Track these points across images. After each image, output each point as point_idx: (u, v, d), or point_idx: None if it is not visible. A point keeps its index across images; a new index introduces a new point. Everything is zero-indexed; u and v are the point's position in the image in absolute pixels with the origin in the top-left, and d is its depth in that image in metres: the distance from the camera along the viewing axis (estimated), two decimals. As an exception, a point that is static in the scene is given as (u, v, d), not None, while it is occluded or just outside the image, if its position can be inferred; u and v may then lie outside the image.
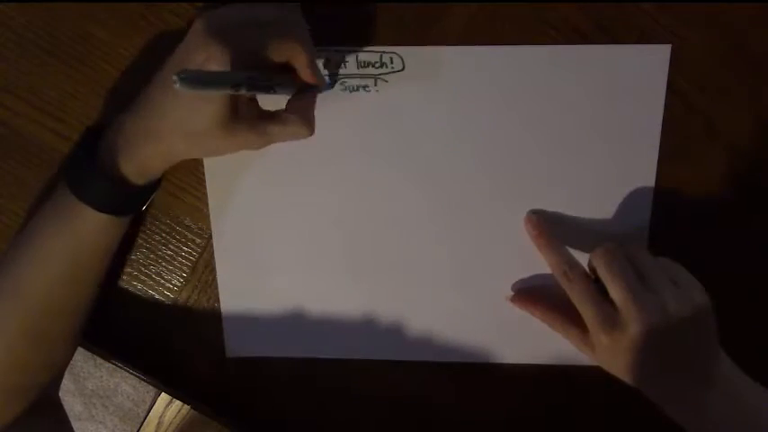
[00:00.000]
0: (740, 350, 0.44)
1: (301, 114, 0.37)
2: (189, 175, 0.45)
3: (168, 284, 0.47)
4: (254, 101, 0.39)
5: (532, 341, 0.46)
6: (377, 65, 0.42)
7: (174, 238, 0.46)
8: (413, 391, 0.48)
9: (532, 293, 0.44)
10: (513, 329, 0.46)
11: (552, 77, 0.42)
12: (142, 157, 0.37)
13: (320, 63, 0.41)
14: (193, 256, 0.46)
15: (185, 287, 0.47)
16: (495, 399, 0.48)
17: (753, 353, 0.45)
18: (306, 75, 0.36)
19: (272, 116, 0.37)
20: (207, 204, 0.45)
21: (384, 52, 0.42)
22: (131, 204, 0.40)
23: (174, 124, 0.36)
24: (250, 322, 0.47)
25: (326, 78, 0.42)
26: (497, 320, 0.46)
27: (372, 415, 0.48)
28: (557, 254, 0.41)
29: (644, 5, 0.41)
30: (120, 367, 0.48)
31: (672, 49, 0.41)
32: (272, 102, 0.38)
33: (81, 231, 0.39)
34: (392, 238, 0.45)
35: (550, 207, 0.44)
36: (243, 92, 0.33)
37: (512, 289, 0.45)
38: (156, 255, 0.46)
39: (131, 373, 0.49)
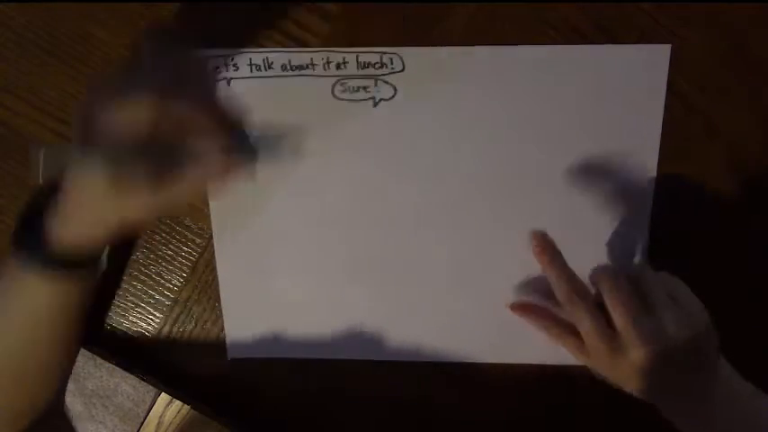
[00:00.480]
0: (740, 350, 0.44)
1: (205, 171, 0.33)
2: (189, 175, 0.45)
3: (168, 284, 0.47)
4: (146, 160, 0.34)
5: (532, 341, 0.46)
6: (377, 65, 0.42)
7: (174, 239, 0.46)
8: (413, 391, 0.48)
9: (530, 302, 0.44)
10: (513, 330, 0.46)
11: (552, 77, 0.42)
12: (77, 243, 0.36)
13: (322, 63, 0.41)
14: (193, 256, 0.46)
15: (185, 287, 0.47)
16: (495, 399, 0.48)
17: (753, 353, 0.45)
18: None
19: (172, 175, 0.33)
20: (207, 204, 0.45)
21: (384, 53, 0.42)
22: (81, 266, 0.38)
23: (75, 203, 0.34)
24: (251, 323, 0.47)
25: (252, 145, 0.36)
26: (497, 321, 0.46)
27: (373, 416, 0.48)
28: (560, 272, 0.41)
29: (644, 5, 0.41)
30: (121, 367, 0.48)
31: (672, 49, 0.41)
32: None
33: (36, 298, 0.38)
34: (392, 238, 0.45)
35: (550, 207, 0.44)
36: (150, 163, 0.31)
37: (512, 298, 0.45)
38: (156, 255, 0.46)
39: (131, 373, 0.49)
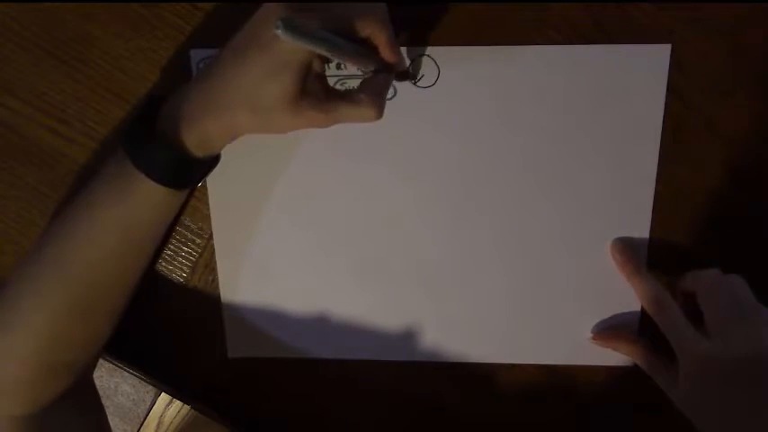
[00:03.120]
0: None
1: (372, 95, 0.36)
2: (189, 175, 0.45)
3: (168, 284, 0.47)
4: (323, 78, 0.38)
5: (533, 341, 0.46)
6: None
7: (174, 239, 0.46)
8: (413, 391, 0.48)
9: (610, 333, 0.45)
10: (514, 330, 0.46)
11: (552, 77, 0.42)
12: (205, 129, 0.36)
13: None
14: (193, 256, 0.46)
15: (185, 287, 0.47)
16: (495, 399, 0.48)
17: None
18: (386, 53, 0.36)
19: (340, 95, 0.37)
20: (207, 204, 0.45)
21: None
22: (189, 177, 0.39)
23: (240, 97, 0.35)
24: (251, 322, 0.47)
25: (410, 69, 0.42)
26: (498, 321, 0.46)
27: (373, 416, 0.48)
28: (645, 281, 0.42)
29: (644, 5, 0.41)
30: (120, 367, 0.48)
31: (672, 49, 0.41)
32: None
33: (136, 203, 0.38)
34: (392, 238, 0.45)
35: (551, 207, 0.44)
36: (338, 57, 0.33)
37: (592, 331, 0.45)
38: (157, 254, 0.46)
39: (131, 373, 0.49)
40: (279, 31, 0.28)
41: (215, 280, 0.46)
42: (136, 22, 0.42)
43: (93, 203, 0.38)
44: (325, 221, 0.45)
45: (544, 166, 0.43)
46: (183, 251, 0.46)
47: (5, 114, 0.44)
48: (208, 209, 0.45)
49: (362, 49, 0.36)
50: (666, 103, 0.42)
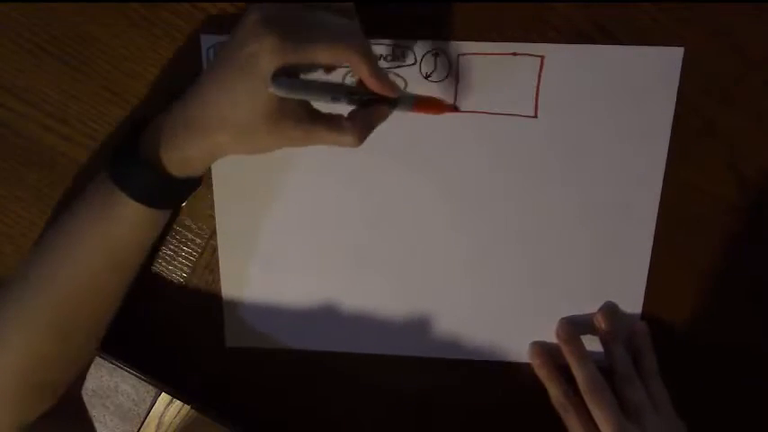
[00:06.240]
0: (740, 351, 0.44)
1: (358, 125, 0.36)
2: (189, 176, 0.45)
3: (168, 284, 0.47)
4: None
5: (534, 340, 0.46)
6: (388, 58, 0.41)
7: (174, 239, 0.46)
8: (414, 386, 0.48)
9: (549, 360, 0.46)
10: (515, 328, 0.46)
11: (560, 78, 0.41)
12: (185, 149, 0.36)
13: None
14: (193, 256, 0.46)
15: (185, 287, 0.47)
16: (496, 397, 0.48)
17: (753, 354, 0.45)
18: (371, 85, 0.35)
19: (324, 117, 0.36)
20: (207, 204, 0.45)
21: (396, 45, 0.41)
22: (170, 198, 0.40)
23: (218, 116, 0.35)
24: (252, 317, 0.47)
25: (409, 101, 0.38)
26: (500, 319, 0.46)
27: (374, 410, 0.48)
28: (555, 386, 0.44)
29: (644, 5, 0.41)
30: (120, 367, 0.48)
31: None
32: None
33: (118, 222, 0.38)
34: (396, 232, 0.45)
35: (555, 207, 0.44)
36: (343, 103, 0.34)
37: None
38: (156, 255, 0.46)
39: (131, 373, 0.49)
40: (271, 89, 0.30)
41: (215, 280, 0.46)
42: (136, 22, 0.42)
43: (76, 223, 0.39)
44: (328, 216, 0.45)
45: (550, 166, 0.43)
46: (183, 251, 0.46)
47: (5, 114, 0.44)
48: (208, 209, 0.45)
49: (354, 87, 0.36)
50: (668, 104, 0.42)
